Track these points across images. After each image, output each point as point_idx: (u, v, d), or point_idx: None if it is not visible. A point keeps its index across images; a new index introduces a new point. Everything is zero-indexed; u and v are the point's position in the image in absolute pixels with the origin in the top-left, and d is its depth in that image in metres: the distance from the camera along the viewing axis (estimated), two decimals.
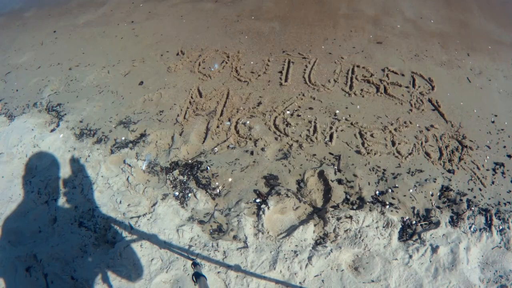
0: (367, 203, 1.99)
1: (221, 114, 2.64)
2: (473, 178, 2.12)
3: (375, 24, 3.61)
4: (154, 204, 2.11)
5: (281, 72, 2.99)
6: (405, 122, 2.46)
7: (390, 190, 2.05)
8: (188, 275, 1.79)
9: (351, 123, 2.47)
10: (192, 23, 3.90)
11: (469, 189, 2.06)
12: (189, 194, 2.15)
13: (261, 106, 2.66)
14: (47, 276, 1.88)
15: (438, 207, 1.98)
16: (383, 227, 1.89)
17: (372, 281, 1.72)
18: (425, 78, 2.86)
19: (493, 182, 2.10)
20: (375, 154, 2.26)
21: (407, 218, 1.94)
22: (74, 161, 2.44)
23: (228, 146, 2.39)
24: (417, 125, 2.46)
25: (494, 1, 4.07)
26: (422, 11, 3.86)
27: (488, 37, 3.46)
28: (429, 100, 2.65)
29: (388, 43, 3.31)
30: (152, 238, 1.94)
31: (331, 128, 2.44)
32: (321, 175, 2.16)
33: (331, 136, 2.38)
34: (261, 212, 1.98)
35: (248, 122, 2.55)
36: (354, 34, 3.44)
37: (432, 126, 2.44)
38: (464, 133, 2.39)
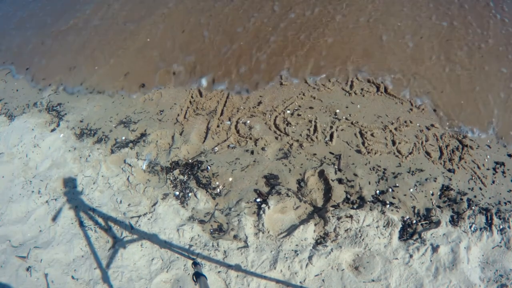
0: (368, 203, 1.99)
1: (222, 114, 2.64)
2: (473, 178, 2.11)
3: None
4: (155, 204, 2.10)
5: None
6: (405, 122, 2.46)
7: (390, 190, 2.05)
8: (188, 275, 1.80)
9: (352, 123, 2.46)
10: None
11: (469, 189, 2.06)
12: (190, 194, 2.15)
13: (261, 106, 2.66)
14: (47, 276, 1.88)
15: (439, 207, 1.98)
16: (384, 226, 1.89)
17: (373, 280, 1.72)
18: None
19: (493, 182, 2.10)
20: (375, 153, 2.25)
21: (407, 217, 1.94)
22: (75, 161, 2.44)
23: (228, 146, 2.39)
24: (418, 124, 2.45)
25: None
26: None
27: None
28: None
29: None
30: (153, 238, 1.94)
31: (331, 127, 2.43)
32: (322, 174, 2.16)
33: (331, 136, 2.38)
34: (261, 212, 1.98)
35: (248, 121, 2.55)
36: None
37: (432, 125, 2.43)
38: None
